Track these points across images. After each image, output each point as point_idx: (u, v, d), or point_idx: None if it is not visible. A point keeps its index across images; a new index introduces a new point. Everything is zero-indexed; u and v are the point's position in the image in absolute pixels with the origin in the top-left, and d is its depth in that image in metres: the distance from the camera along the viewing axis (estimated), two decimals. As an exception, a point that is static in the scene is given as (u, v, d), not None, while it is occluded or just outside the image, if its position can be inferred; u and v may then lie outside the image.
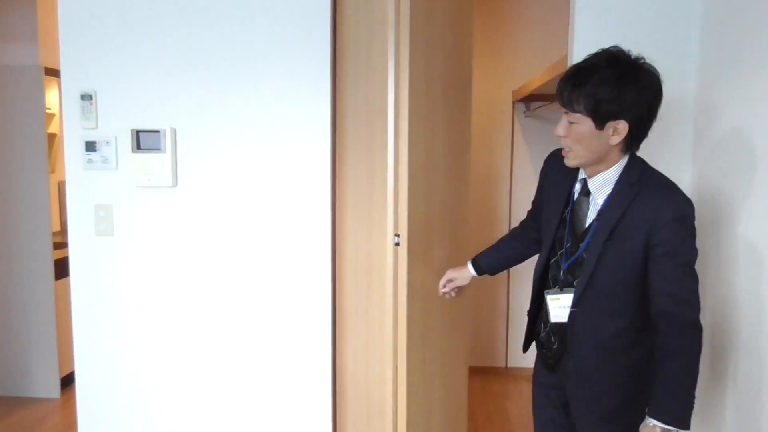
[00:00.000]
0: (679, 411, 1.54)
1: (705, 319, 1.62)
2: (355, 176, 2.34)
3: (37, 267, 3.84)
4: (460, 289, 2.20)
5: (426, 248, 2.21)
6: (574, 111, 1.56)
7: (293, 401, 2.42)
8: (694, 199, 1.61)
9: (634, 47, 1.58)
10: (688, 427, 1.55)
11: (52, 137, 4.02)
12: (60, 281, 3.86)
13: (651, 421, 1.55)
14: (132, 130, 2.37)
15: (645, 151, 1.65)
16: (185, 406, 2.47)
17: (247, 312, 2.41)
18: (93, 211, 2.44)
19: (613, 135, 1.55)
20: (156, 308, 2.45)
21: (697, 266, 1.56)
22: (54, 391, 3.90)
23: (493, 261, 2.11)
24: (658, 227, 1.52)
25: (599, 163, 1.61)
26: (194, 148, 2.38)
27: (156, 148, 2.37)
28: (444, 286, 2.17)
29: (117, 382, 2.50)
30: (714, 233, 2.00)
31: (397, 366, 2.14)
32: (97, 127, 2.41)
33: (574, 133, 1.58)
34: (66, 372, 3.93)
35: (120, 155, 2.41)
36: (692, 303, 1.54)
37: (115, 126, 2.40)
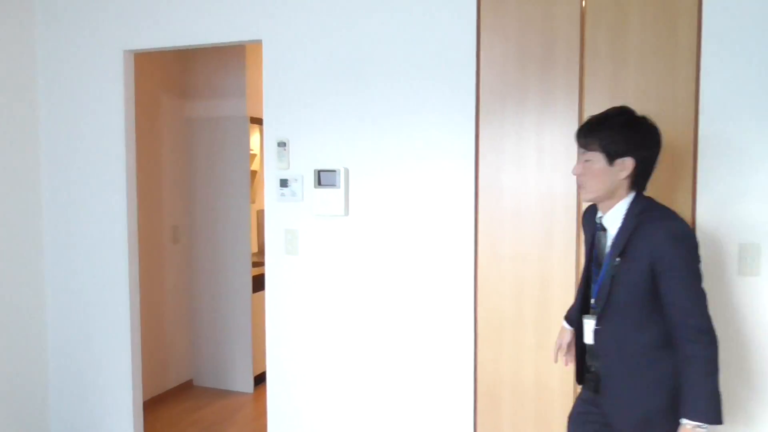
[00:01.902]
0: (706, 409, 1.72)
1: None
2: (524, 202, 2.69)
3: (238, 282, 4.62)
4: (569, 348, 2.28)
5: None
6: (590, 150, 1.89)
7: (440, 399, 2.80)
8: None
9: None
10: (719, 422, 1.73)
11: (253, 173, 4.83)
12: (256, 294, 4.60)
13: (683, 421, 1.73)
14: (315, 170, 2.93)
15: None
16: (355, 403, 2.95)
17: (404, 318, 2.84)
18: (283, 234, 3.04)
19: (621, 171, 1.85)
20: (331, 315, 2.97)
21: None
22: (248, 386, 4.64)
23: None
24: (657, 246, 1.77)
25: (610, 198, 1.90)
26: (362, 183, 2.88)
27: (332, 184, 2.91)
28: (557, 357, 2.30)
29: (300, 379, 3.05)
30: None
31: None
32: (288, 167, 3.01)
33: (590, 170, 1.89)
34: (258, 371, 4.65)
35: (305, 190, 2.99)
36: (695, 312, 1.75)
37: (302, 167, 2.99)
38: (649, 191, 1.95)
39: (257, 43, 3.11)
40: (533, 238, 2.63)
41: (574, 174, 1.95)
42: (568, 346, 2.24)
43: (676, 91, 2.34)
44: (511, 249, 2.67)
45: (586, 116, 2.49)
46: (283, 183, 3.02)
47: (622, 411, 1.90)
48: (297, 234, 3.02)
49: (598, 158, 1.87)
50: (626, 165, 1.84)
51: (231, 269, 4.63)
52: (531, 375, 2.65)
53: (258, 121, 4.60)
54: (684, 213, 2.36)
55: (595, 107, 2.47)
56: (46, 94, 3.48)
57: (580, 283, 2.07)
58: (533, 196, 2.62)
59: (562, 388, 2.60)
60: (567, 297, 2.56)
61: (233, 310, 4.64)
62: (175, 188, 4.63)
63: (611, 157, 1.85)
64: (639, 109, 2.13)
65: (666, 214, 1.84)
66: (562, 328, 2.30)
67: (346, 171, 2.90)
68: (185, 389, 4.71)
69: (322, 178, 2.93)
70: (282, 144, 3.01)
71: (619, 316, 1.87)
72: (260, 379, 4.68)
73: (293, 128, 2.99)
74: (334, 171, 2.91)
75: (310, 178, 2.96)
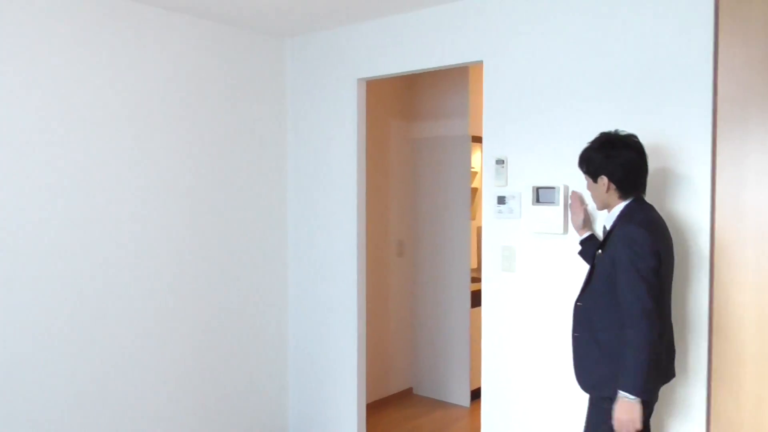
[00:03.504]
0: (633, 383, 2.09)
1: None
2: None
3: (458, 296, 4.72)
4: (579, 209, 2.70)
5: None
6: (582, 172, 2.40)
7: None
8: None
9: None
10: (644, 396, 2.10)
11: (474, 191, 4.93)
12: (474, 309, 4.66)
13: (619, 392, 2.13)
14: (533, 187, 2.92)
15: None
16: (570, 427, 2.85)
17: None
18: (500, 251, 3.06)
19: (602, 186, 2.31)
20: (548, 335, 2.91)
21: None
22: (465, 400, 4.71)
23: (592, 250, 2.55)
24: (615, 246, 2.18)
25: (607, 207, 2.35)
26: (582, 201, 2.79)
27: (551, 202, 2.87)
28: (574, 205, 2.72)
29: (515, 398, 3.04)
30: None
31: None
32: (506, 185, 3.03)
33: (589, 188, 2.41)
34: (475, 386, 4.70)
35: (522, 207, 2.98)
36: (634, 302, 2.10)
37: (519, 184, 2.99)
38: None
39: (478, 64, 3.20)
40: (783, 264, 2.32)
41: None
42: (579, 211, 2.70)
43: None
44: (755, 276, 2.37)
45: None
46: (501, 200, 3.05)
47: (580, 374, 2.36)
48: (514, 251, 3.02)
49: (588, 179, 2.37)
50: (603, 181, 2.29)
51: (451, 284, 4.76)
52: (779, 420, 2.33)
53: (479, 139, 4.68)
54: None
55: None
56: (293, 119, 3.95)
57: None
58: (783, 216, 2.31)
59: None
60: (827, 334, 2.21)
61: (452, 323, 4.76)
62: (401, 205, 4.90)
63: (592, 176, 2.34)
64: None
65: (630, 220, 2.21)
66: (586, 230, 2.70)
67: (566, 188, 2.83)
68: (405, 396, 4.93)
69: (541, 195, 2.90)
70: (500, 161, 3.05)
71: (592, 298, 2.31)
72: (477, 394, 4.72)
73: (512, 145, 3.01)
74: (552, 188, 2.86)
75: (528, 195, 2.95)
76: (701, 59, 2.48)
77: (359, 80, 3.62)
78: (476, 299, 4.68)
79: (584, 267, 2.77)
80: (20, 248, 2.82)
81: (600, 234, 2.71)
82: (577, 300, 2.39)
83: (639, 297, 2.10)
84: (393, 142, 4.81)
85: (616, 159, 2.26)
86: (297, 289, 3.98)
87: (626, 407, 2.11)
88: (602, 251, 2.28)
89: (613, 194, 2.30)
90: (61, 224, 2.94)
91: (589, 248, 2.65)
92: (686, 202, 2.53)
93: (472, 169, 4.78)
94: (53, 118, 2.91)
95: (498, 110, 3.06)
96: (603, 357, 2.25)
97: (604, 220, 2.43)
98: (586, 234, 2.69)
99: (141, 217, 3.25)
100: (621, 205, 2.30)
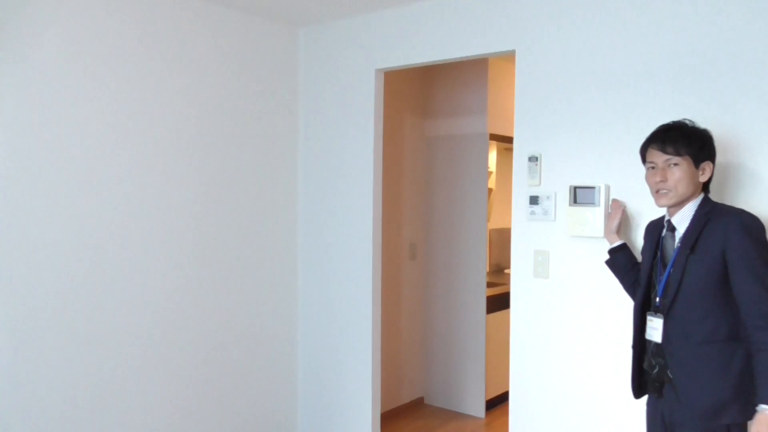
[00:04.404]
0: None
1: None
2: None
3: (472, 302, 4.50)
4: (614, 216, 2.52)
5: None
6: (678, 155, 2.02)
7: None
8: None
9: None
10: None
11: (488, 191, 4.71)
12: (489, 315, 4.44)
13: (761, 407, 1.82)
14: (570, 187, 2.70)
15: None
16: (605, 443, 2.64)
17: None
18: (532, 256, 2.85)
19: (702, 174, 2.05)
20: (586, 346, 2.70)
21: None
22: (480, 410, 4.48)
23: (625, 260, 2.44)
24: (730, 237, 1.91)
25: (684, 200, 2.05)
26: (626, 202, 2.56)
27: (590, 202, 2.65)
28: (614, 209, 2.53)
29: (545, 411, 2.82)
30: None
31: None
32: (540, 184, 2.82)
33: (674, 175, 2.03)
34: (490, 396, 4.48)
35: (558, 208, 2.76)
36: (765, 299, 1.84)
37: (555, 183, 2.77)
38: None
39: (507, 55, 2.98)
40: None
41: (658, 180, 2.06)
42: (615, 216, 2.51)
43: None
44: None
45: None
46: (534, 200, 2.84)
47: (690, 401, 1.97)
48: (548, 256, 2.80)
49: (686, 163, 2.03)
50: (707, 169, 2.05)
51: (465, 288, 4.54)
52: None
53: (496, 137, 4.47)
54: None
55: None
56: (305, 113, 3.72)
57: (643, 286, 2.18)
58: None
59: None
60: None
61: (467, 330, 4.54)
62: (414, 205, 4.67)
63: (698, 161, 2.03)
64: None
65: (736, 209, 2.01)
66: (616, 237, 2.49)
67: (607, 188, 2.62)
68: (417, 407, 4.70)
69: (579, 195, 2.68)
70: (533, 159, 2.83)
71: (686, 308, 2.00)
72: (492, 404, 4.51)
73: (546, 142, 2.80)
74: (592, 188, 2.64)
75: (564, 196, 2.74)
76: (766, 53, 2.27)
77: (377, 71, 3.39)
78: (491, 305, 4.46)
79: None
80: (33, 248, 2.60)
81: (633, 244, 2.51)
82: (664, 311, 2.06)
83: (766, 296, 1.86)
84: (407, 140, 4.58)
85: (715, 149, 2.10)
86: (307, 293, 3.75)
87: None
88: (692, 252, 1.98)
89: (700, 186, 2.08)
90: (66, 224, 2.71)
91: (620, 258, 2.43)
92: (753, 201, 2.31)
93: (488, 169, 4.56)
94: (58, 114, 2.67)
95: (531, 103, 2.84)
96: (718, 375, 1.93)
97: (670, 217, 2.11)
98: (619, 243, 2.46)
99: (142, 218, 3.00)
100: (696, 201, 2.07)
